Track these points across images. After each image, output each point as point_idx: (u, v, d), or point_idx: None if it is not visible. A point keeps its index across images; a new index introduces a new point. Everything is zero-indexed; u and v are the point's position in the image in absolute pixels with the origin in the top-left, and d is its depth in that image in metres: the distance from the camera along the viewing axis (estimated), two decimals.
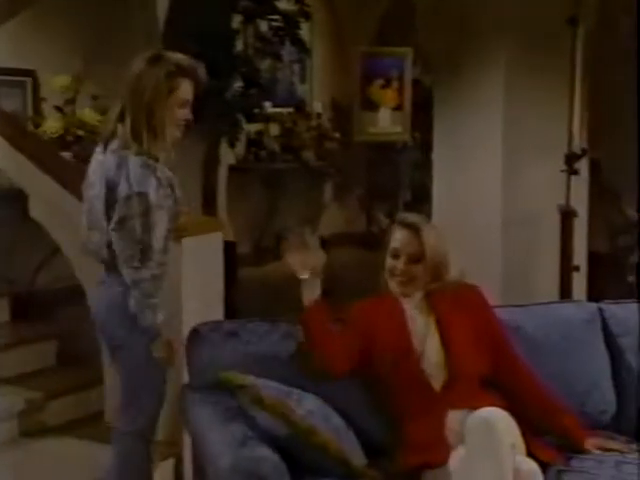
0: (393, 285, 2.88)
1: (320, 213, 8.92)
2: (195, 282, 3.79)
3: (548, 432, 2.78)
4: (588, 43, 4.96)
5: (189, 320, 3.40)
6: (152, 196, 2.83)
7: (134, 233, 2.83)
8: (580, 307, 3.22)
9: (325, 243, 3.04)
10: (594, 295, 4.08)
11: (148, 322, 2.90)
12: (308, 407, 2.69)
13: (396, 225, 2.91)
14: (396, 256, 2.87)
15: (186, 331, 3.05)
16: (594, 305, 3.21)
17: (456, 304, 2.88)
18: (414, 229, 2.86)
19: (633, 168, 5.13)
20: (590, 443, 2.79)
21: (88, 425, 4.25)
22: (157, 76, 2.88)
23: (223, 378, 2.71)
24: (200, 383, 2.89)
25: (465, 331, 2.84)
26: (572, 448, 2.75)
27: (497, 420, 2.45)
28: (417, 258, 2.85)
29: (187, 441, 3.30)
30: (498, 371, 2.83)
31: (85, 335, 4.13)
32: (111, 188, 2.88)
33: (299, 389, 2.75)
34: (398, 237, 2.88)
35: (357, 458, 2.70)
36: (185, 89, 2.92)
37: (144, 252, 2.84)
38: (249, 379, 2.69)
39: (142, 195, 2.82)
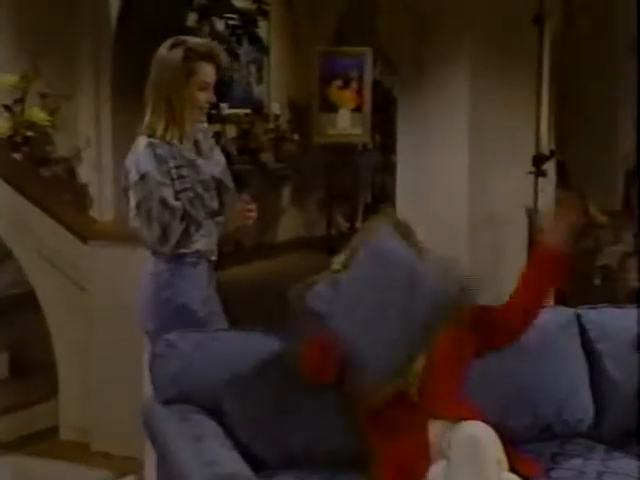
0: None
1: (278, 217, 8.87)
2: None
3: None
4: (555, 43, 4.96)
5: None
6: (152, 173, 2.97)
7: (151, 214, 3.00)
8: (556, 312, 3.18)
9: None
10: (560, 298, 4.07)
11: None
12: None
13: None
14: None
15: (146, 340, 3.03)
16: (571, 310, 3.18)
17: None
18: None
19: (599, 169, 5.17)
20: None
21: (41, 441, 4.16)
22: (175, 60, 3.04)
23: None
24: (166, 397, 2.81)
25: (445, 336, 2.77)
26: None
27: (483, 436, 2.44)
28: None
29: (149, 455, 3.23)
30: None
31: (39, 345, 4.05)
32: (126, 176, 3.11)
33: (273, 400, 2.73)
34: None
35: None
36: (204, 72, 3.07)
37: (164, 231, 3.01)
38: None
39: (145, 175, 2.99)
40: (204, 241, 3.12)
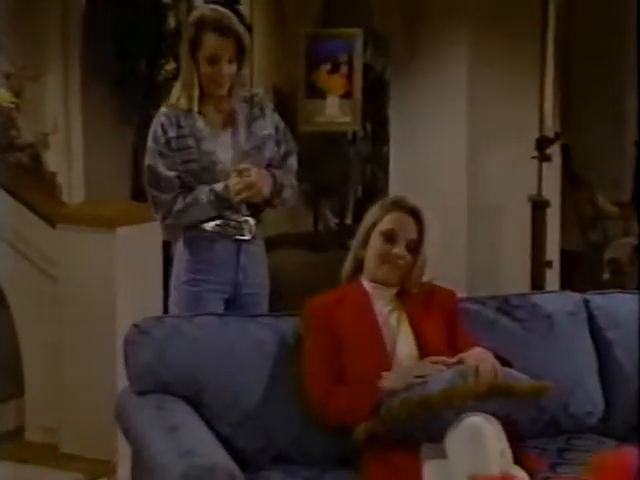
0: (382, 272, 2.85)
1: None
2: (131, 278, 3.72)
3: None
4: (560, 17, 4.97)
5: (124, 321, 3.34)
6: (149, 141, 3.20)
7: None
8: (563, 298, 3.20)
9: None
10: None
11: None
12: None
13: (388, 206, 2.90)
14: (391, 239, 2.86)
15: (120, 333, 3.00)
16: (579, 296, 3.20)
17: (428, 304, 2.89)
18: (414, 213, 2.87)
19: (607, 155, 5.18)
20: None
21: (5, 444, 4.14)
22: (187, 27, 3.19)
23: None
24: (141, 387, 2.81)
25: (438, 329, 2.85)
26: None
27: (485, 426, 2.46)
28: (414, 246, 2.86)
29: (123, 457, 3.22)
30: None
31: (3, 338, 4.03)
32: None
33: (258, 392, 2.76)
34: (395, 219, 2.87)
35: None
36: (211, 43, 3.14)
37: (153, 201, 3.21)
38: None
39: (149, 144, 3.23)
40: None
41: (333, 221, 9.00)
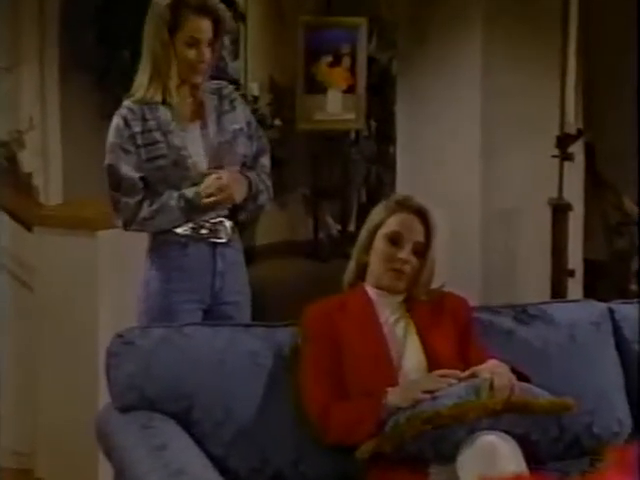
0: (387, 277, 2.87)
1: (256, 217, 8.88)
2: (114, 285, 3.73)
3: None
4: (583, 2, 5.00)
5: (107, 330, 3.34)
6: (110, 139, 3.19)
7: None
8: (586, 307, 3.23)
9: None
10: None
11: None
12: None
13: (393, 206, 2.92)
14: (396, 242, 2.88)
15: (102, 344, 3.01)
16: (603, 305, 3.22)
17: (438, 313, 2.91)
18: (420, 214, 2.89)
19: (634, 152, 5.19)
20: None
21: None
22: (160, 8, 3.17)
23: None
24: (125, 403, 2.82)
25: (449, 340, 2.86)
26: None
27: (500, 445, 2.49)
28: (421, 250, 2.88)
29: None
30: None
31: None
32: None
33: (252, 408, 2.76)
34: (401, 221, 2.89)
35: None
36: (193, 26, 3.15)
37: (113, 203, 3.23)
38: None
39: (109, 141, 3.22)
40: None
41: (335, 228, 9.01)
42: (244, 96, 8.72)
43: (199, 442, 2.72)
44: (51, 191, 5.87)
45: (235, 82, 8.72)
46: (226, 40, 8.70)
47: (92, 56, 6.10)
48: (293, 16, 8.72)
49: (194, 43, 3.17)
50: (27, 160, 6.12)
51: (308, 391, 2.77)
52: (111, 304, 3.74)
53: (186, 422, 2.76)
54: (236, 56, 8.81)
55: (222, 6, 3.26)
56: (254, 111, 8.69)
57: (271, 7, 9.02)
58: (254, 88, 8.85)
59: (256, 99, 8.79)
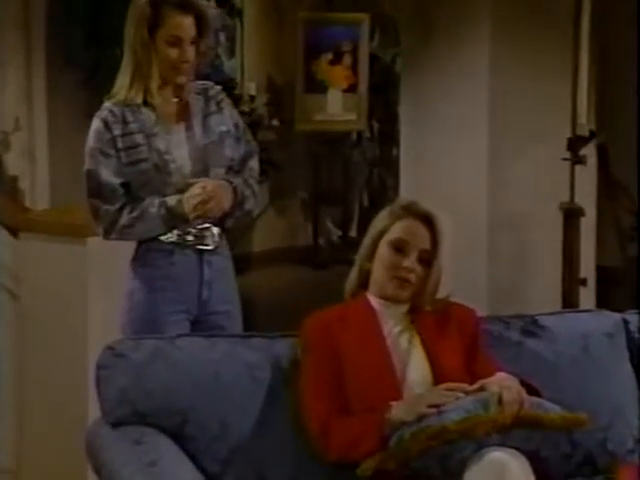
0: (391, 287, 2.87)
1: (253, 222, 8.87)
2: (104, 294, 3.73)
3: None
4: None
5: (97, 342, 3.35)
6: (90, 142, 3.20)
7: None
8: (599, 318, 3.23)
9: None
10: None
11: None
12: None
13: (398, 212, 2.92)
14: (401, 250, 2.88)
15: (92, 357, 3.00)
16: (617, 315, 3.22)
17: (444, 324, 2.92)
18: (426, 221, 2.89)
19: None
20: None
21: None
22: (139, 6, 3.17)
23: None
24: (116, 417, 2.82)
25: (455, 352, 2.87)
26: None
27: (510, 462, 2.50)
28: (427, 258, 2.88)
29: None
30: None
31: None
32: None
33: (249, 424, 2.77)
34: (406, 227, 2.89)
35: None
36: (174, 23, 3.16)
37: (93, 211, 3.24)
38: None
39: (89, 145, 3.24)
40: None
41: (335, 233, 9.02)
42: (241, 96, 8.76)
43: (193, 458, 2.73)
44: (38, 195, 5.87)
45: (231, 81, 8.76)
46: (222, 37, 8.73)
47: (81, 54, 6.11)
48: (292, 12, 8.74)
49: (176, 42, 3.18)
50: (13, 162, 6.13)
51: (308, 405, 2.78)
52: (101, 314, 3.73)
53: (180, 437, 2.76)
54: (232, 54, 8.83)
55: (205, 2, 3.27)
56: (251, 111, 8.74)
57: (269, 2, 9.03)
58: (251, 87, 8.86)
59: (253, 99, 8.81)
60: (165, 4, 3.17)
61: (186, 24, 3.18)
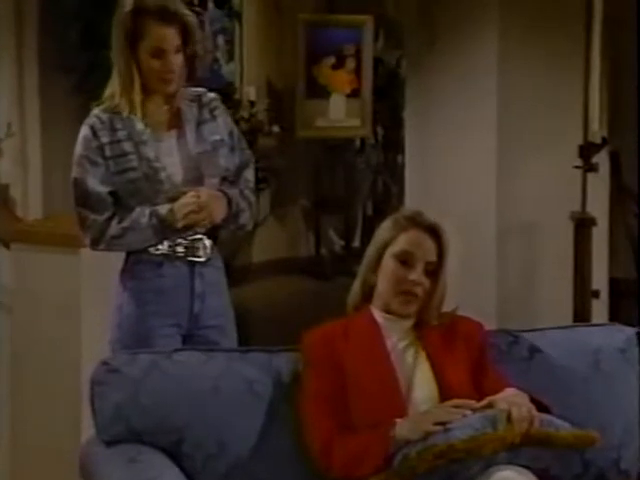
0: (397, 301, 2.88)
1: (252, 231, 8.88)
2: (98, 307, 3.74)
3: None
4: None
5: (91, 356, 3.35)
6: (77, 150, 3.22)
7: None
8: (612, 332, 3.23)
9: None
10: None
11: None
12: None
13: (403, 223, 2.92)
14: (407, 263, 2.88)
15: (86, 372, 3.00)
16: (630, 330, 3.22)
17: (451, 338, 2.92)
18: (432, 232, 2.90)
19: None
20: None
21: None
22: (120, 18, 3.20)
23: None
24: (111, 435, 2.82)
25: (463, 368, 2.88)
26: None
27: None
28: (433, 270, 2.88)
29: None
30: None
31: None
32: None
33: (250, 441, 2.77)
34: (411, 239, 2.90)
35: None
36: (155, 35, 3.17)
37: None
38: None
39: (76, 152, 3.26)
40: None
41: (338, 244, 9.03)
42: (240, 101, 8.77)
43: (191, 477, 2.73)
44: (30, 204, 5.86)
45: (230, 86, 8.78)
46: (220, 40, 8.75)
47: (75, 57, 6.11)
48: (293, 14, 8.76)
49: (159, 53, 3.19)
50: (4, 170, 6.13)
51: (309, 422, 2.78)
52: (95, 328, 3.73)
53: (177, 456, 2.77)
54: (231, 57, 8.84)
55: (187, 11, 3.26)
56: (251, 117, 8.76)
57: (269, 4, 9.05)
58: (250, 92, 8.87)
59: (253, 104, 8.82)
60: (146, 15, 3.18)
61: (168, 35, 3.19)
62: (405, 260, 2.89)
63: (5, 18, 6.18)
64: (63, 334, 3.99)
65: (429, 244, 2.90)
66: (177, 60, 3.22)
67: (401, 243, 2.90)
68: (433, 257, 2.90)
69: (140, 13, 3.19)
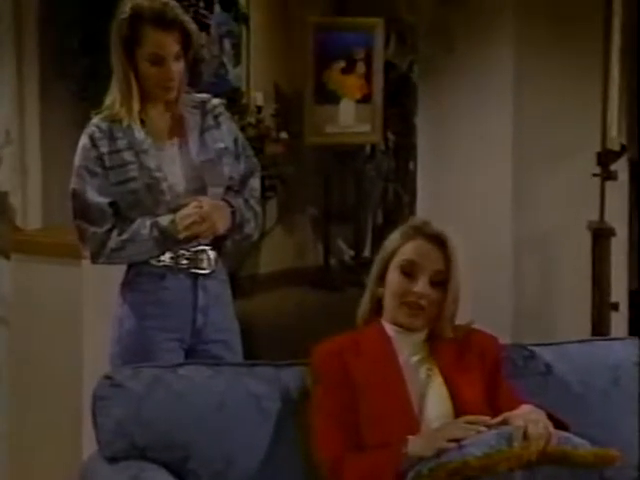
0: (402, 314, 2.89)
1: (259, 241, 8.89)
2: (100, 319, 3.74)
3: None
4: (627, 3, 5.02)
5: (93, 371, 3.36)
6: (77, 158, 3.24)
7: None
8: (631, 346, 3.23)
9: None
10: None
11: None
12: None
13: (409, 232, 2.94)
14: (410, 274, 2.89)
15: (88, 386, 3.02)
16: None
17: (465, 352, 2.93)
18: (438, 241, 2.90)
19: None
20: None
21: None
22: (117, 24, 3.21)
23: None
24: (114, 451, 2.83)
25: (477, 383, 2.89)
26: None
27: None
28: (441, 279, 2.88)
29: None
30: None
31: None
32: None
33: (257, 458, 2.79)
34: (416, 248, 2.91)
35: None
36: (153, 41, 3.18)
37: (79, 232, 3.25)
38: None
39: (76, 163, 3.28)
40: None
41: (348, 254, 9.02)
42: (247, 106, 8.79)
43: None
44: (30, 213, 5.88)
45: (236, 91, 8.79)
46: (226, 44, 8.77)
47: (76, 64, 6.13)
48: (301, 17, 8.76)
49: (157, 60, 3.21)
50: (3, 178, 6.15)
51: (319, 439, 2.78)
52: (98, 341, 3.74)
53: (181, 473, 2.77)
54: (238, 62, 8.86)
55: (187, 17, 3.28)
56: (258, 123, 8.77)
57: (277, 7, 9.06)
58: (258, 97, 8.89)
59: (260, 109, 8.83)
60: (144, 21, 3.19)
61: (167, 42, 3.21)
62: (409, 272, 2.89)
63: (5, 25, 6.21)
64: (64, 347, 3.99)
65: (435, 253, 2.91)
66: (177, 67, 3.23)
67: (406, 253, 2.91)
68: (439, 266, 2.90)
69: (137, 19, 3.20)
